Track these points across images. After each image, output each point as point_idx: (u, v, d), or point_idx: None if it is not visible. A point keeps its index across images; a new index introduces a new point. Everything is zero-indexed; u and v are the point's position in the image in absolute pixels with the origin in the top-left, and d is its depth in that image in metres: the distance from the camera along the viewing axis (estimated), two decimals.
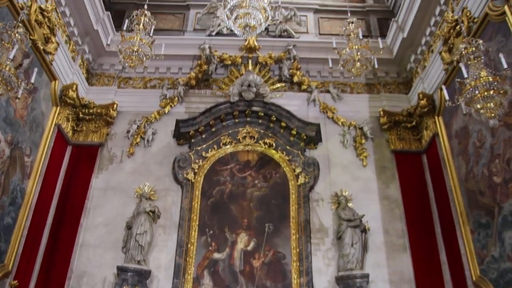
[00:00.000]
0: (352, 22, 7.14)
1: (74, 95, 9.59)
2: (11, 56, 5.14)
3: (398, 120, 10.21)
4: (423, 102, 9.56)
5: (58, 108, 9.33)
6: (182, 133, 9.92)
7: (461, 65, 5.62)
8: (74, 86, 9.62)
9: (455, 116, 8.50)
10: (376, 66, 7.13)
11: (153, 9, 11.17)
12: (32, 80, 5.94)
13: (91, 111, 10.16)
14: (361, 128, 10.27)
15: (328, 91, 10.79)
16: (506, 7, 6.60)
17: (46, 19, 8.43)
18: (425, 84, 9.87)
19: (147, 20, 6.84)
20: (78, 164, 9.73)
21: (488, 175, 7.17)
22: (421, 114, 9.75)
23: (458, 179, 8.35)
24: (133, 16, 6.92)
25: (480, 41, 5.56)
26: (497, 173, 6.91)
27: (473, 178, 7.72)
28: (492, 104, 5.06)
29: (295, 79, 10.71)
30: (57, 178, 9.37)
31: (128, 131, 10.20)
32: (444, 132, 8.99)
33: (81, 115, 10.09)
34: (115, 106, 10.27)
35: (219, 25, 11.30)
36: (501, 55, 5.31)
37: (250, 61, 10.81)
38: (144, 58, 6.68)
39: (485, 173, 7.27)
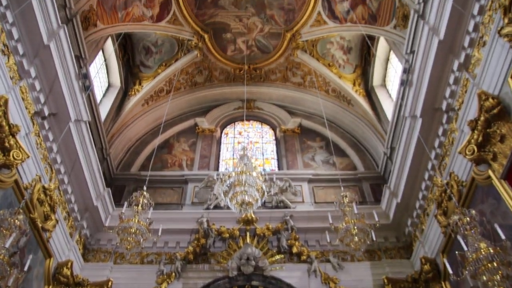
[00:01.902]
0: (346, 196, 7.32)
1: (68, 273, 9.30)
2: (7, 245, 5.11)
3: None
4: (426, 267, 9.30)
5: (51, 287, 8.96)
6: None
7: (459, 237, 5.60)
8: (69, 264, 9.41)
9: (462, 281, 8.17)
10: (374, 239, 7.11)
11: (153, 183, 11.67)
12: (26, 268, 5.81)
13: None
14: None
15: (328, 261, 10.53)
16: (490, 172, 6.87)
17: (48, 197, 8.60)
18: (426, 248, 9.73)
19: (146, 201, 7.03)
20: None
21: None
22: (426, 279, 9.40)
23: None
24: (132, 197, 7.12)
25: (473, 212, 5.64)
26: None
27: None
28: (498, 277, 4.92)
29: (294, 249, 10.57)
30: None
31: None
32: None
33: None
34: (110, 283, 9.87)
35: (216, 198, 11.58)
36: (496, 225, 5.34)
37: (248, 234, 10.79)
38: (141, 240, 6.68)
39: None
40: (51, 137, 8.79)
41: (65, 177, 9.42)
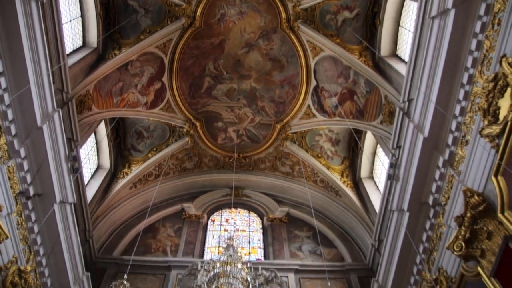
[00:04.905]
0: None
1: None
2: None
3: None
4: None
5: None
6: None
7: None
8: None
9: None
10: None
11: (135, 269, 11.31)
12: None
13: None
14: None
15: None
16: (479, 269, 6.78)
17: (23, 281, 8.23)
18: None
19: None
20: None
21: None
22: None
23: None
24: (111, 286, 6.85)
25: None
26: None
27: None
28: None
29: None
30: None
31: None
32: None
33: None
34: None
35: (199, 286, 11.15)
36: None
37: None
38: None
39: None
40: (33, 217, 8.62)
41: (43, 259, 9.09)
